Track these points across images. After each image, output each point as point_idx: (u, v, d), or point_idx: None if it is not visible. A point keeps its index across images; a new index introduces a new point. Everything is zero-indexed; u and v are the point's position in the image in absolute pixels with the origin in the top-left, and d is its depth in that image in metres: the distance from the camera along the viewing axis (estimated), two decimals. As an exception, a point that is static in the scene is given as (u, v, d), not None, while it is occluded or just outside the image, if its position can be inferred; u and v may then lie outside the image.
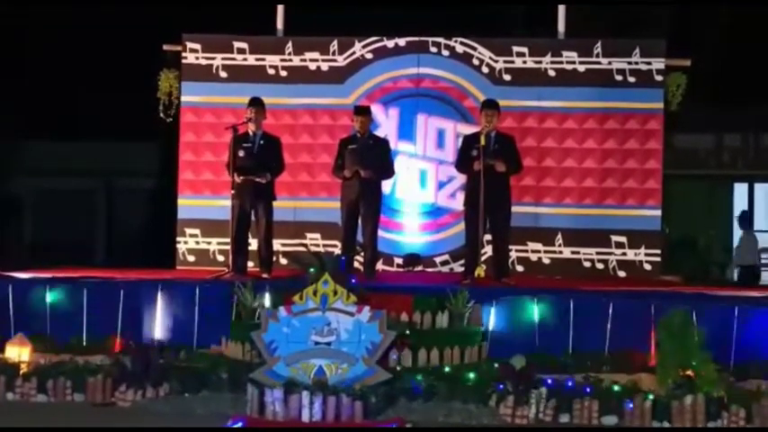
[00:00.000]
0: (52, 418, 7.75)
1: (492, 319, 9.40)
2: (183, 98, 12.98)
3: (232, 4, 16.68)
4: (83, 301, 9.73)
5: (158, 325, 9.66)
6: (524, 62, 12.87)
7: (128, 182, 17.79)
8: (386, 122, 12.88)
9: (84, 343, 9.53)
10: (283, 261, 11.91)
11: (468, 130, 11.79)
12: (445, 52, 12.96)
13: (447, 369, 8.50)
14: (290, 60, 13.03)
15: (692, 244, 17.28)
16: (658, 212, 12.72)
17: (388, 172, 11.25)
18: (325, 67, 13.03)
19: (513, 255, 12.21)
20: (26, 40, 15.32)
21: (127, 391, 8.28)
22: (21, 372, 8.56)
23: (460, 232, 11.39)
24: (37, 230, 17.76)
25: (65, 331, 9.65)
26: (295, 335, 8.20)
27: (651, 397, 7.89)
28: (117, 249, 17.07)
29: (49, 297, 9.82)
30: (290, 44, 13.05)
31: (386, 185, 11.67)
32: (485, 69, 12.89)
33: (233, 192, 10.81)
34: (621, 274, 12.57)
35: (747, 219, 15.87)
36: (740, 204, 18.17)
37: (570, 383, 8.17)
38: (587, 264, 12.64)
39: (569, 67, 12.83)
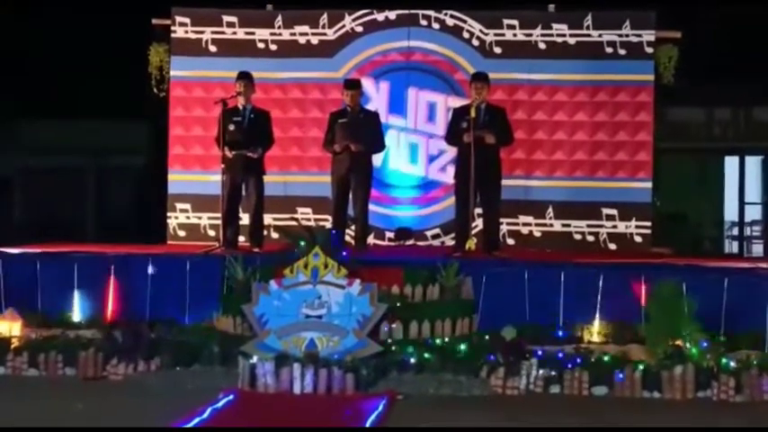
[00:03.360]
0: (44, 392, 7.76)
1: (483, 291, 9.41)
2: (173, 72, 12.92)
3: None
4: (74, 276, 9.71)
5: (149, 299, 9.65)
6: (515, 35, 12.84)
7: (118, 158, 17.74)
8: (376, 96, 12.86)
9: (76, 317, 9.53)
10: (274, 235, 11.91)
11: (459, 103, 11.77)
12: (435, 25, 12.93)
13: (438, 341, 8.52)
14: (280, 34, 12.98)
15: (683, 217, 17.29)
16: (649, 185, 12.73)
17: (379, 146, 11.24)
18: (314, 40, 12.98)
19: (504, 228, 12.22)
20: (11, 18, 15.23)
21: (118, 365, 8.30)
22: (12, 346, 8.57)
23: (451, 206, 11.40)
24: (27, 208, 17.72)
25: (56, 306, 9.65)
26: (286, 308, 8.22)
27: (641, 367, 7.93)
28: (108, 226, 17.02)
29: (40, 272, 9.80)
30: (279, 18, 13.00)
31: (376, 159, 11.66)
32: (475, 42, 12.86)
33: (223, 166, 10.79)
34: (612, 246, 12.59)
35: None
36: (731, 177, 18.19)
37: (560, 355, 8.21)
38: (578, 236, 12.66)
39: (560, 39, 12.80)
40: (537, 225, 12.69)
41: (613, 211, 12.62)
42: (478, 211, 10.84)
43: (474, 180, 10.33)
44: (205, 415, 6.84)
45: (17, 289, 9.73)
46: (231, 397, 7.39)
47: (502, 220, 11.53)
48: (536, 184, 12.72)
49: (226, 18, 13.02)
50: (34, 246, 10.99)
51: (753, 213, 18.24)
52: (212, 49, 12.99)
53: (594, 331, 9.02)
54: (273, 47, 12.98)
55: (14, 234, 13.63)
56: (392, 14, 12.97)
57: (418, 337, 8.55)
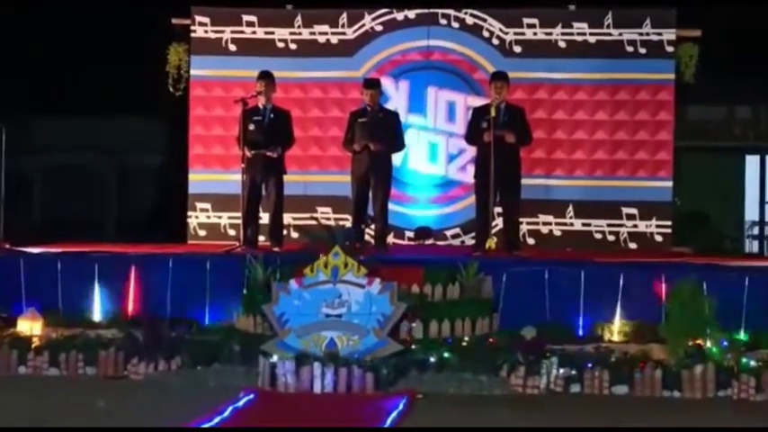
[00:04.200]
0: (65, 392, 7.79)
1: (503, 290, 9.39)
2: (193, 72, 12.97)
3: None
4: (94, 276, 9.74)
5: (170, 298, 9.67)
6: (535, 33, 12.84)
7: (138, 157, 17.76)
8: (396, 95, 12.86)
9: (96, 317, 9.56)
10: (294, 234, 11.93)
11: (479, 102, 11.76)
12: (455, 24, 12.93)
13: (458, 341, 8.50)
14: (300, 33, 13.01)
15: (704, 216, 17.21)
16: (669, 184, 12.70)
17: (399, 145, 11.24)
18: (334, 39, 13.01)
19: (524, 227, 12.22)
20: (33, 16, 15.28)
21: (139, 365, 8.31)
22: (33, 346, 8.59)
23: (471, 205, 11.39)
24: (47, 208, 17.76)
25: (76, 305, 9.68)
26: (306, 307, 8.21)
27: (661, 366, 7.90)
28: (128, 225, 17.04)
29: (61, 271, 9.83)
30: (299, 17, 13.03)
31: (396, 158, 11.66)
32: (495, 41, 12.86)
33: (243, 166, 10.80)
34: (632, 245, 12.57)
35: None
36: (752, 176, 18.10)
37: (581, 354, 8.18)
38: (598, 235, 12.64)
39: (580, 38, 12.79)
40: (557, 224, 12.67)
41: (634, 211, 12.60)
42: (498, 210, 10.83)
43: (494, 179, 10.32)
44: (226, 414, 6.85)
45: (38, 288, 9.76)
46: (251, 396, 7.40)
47: (522, 219, 11.54)
48: (556, 183, 12.71)
49: (245, 17, 13.05)
50: (55, 245, 11.04)
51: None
52: (232, 48, 13.03)
53: (615, 330, 8.98)
54: (293, 46, 13.00)
55: (35, 234, 13.68)
56: (411, 14, 12.98)
57: (438, 336, 8.53)
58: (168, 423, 6.68)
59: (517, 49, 12.84)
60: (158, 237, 12.75)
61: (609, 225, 12.64)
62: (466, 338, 8.56)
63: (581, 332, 9.00)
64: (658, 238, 12.60)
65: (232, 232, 12.53)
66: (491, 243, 10.39)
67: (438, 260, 9.83)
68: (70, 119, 17.29)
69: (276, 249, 10.73)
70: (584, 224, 12.66)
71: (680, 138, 13.25)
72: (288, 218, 11.64)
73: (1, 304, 9.51)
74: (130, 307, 9.56)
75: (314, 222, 11.08)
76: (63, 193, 17.52)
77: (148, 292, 9.68)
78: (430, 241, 12.65)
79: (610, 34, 12.78)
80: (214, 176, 12.86)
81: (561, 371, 7.88)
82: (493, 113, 10.41)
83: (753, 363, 7.97)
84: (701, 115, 17.59)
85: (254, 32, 13.04)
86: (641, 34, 12.72)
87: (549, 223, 12.68)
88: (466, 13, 12.93)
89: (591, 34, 12.78)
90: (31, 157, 17.31)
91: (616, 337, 8.88)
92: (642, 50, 12.71)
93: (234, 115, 11.46)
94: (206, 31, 13.06)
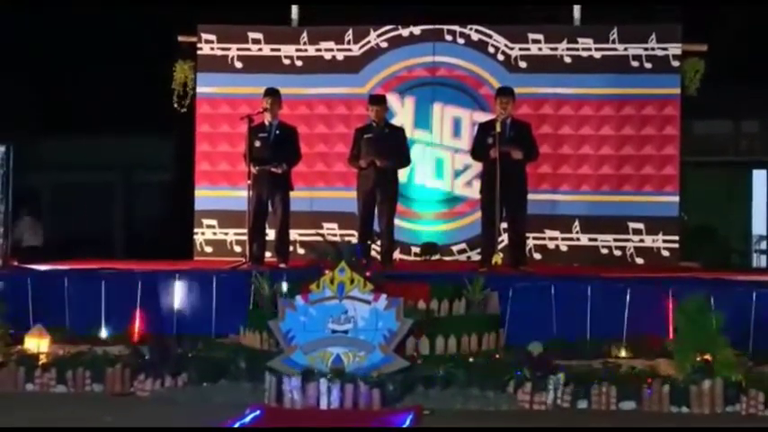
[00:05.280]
0: (72, 408, 7.78)
1: (509, 306, 9.38)
2: (199, 89, 13.01)
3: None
4: (101, 292, 9.76)
5: (176, 315, 9.68)
6: (540, 49, 12.85)
7: (144, 174, 17.83)
8: (401, 111, 12.88)
9: (103, 334, 9.56)
10: (300, 251, 11.93)
11: (484, 118, 11.77)
12: (460, 40, 12.96)
13: (464, 356, 8.49)
14: (305, 50, 13.04)
15: (711, 231, 17.18)
16: (676, 199, 12.70)
17: (404, 161, 11.24)
18: (340, 56, 13.03)
19: (531, 242, 12.20)
20: (40, 34, 15.35)
21: (145, 381, 8.30)
22: (40, 363, 8.60)
23: (477, 220, 11.38)
24: (54, 224, 17.80)
25: (83, 322, 9.69)
26: (312, 323, 8.20)
27: (669, 382, 7.87)
28: (135, 242, 17.10)
29: (68, 288, 9.85)
30: (304, 34, 13.06)
31: (402, 174, 11.65)
32: (500, 57, 12.88)
33: (249, 182, 10.81)
34: (639, 260, 12.56)
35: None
36: (759, 191, 18.08)
37: (588, 370, 8.16)
38: (605, 251, 12.63)
39: (585, 53, 12.80)
40: (563, 239, 12.67)
41: (640, 225, 12.58)
42: (504, 225, 10.82)
43: (500, 195, 10.32)
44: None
45: (45, 306, 9.79)
46: (258, 412, 7.39)
47: (528, 234, 11.51)
48: (562, 198, 12.70)
49: (251, 35, 13.09)
50: (62, 263, 11.06)
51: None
52: (238, 65, 13.07)
53: (622, 346, 8.96)
54: (299, 63, 13.03)
55: (42, 250, 13.71)
56: (417, 30, 13.01)
57: (444, 352, 8.52)
58: (175, 440, 6.67)
59: (522, 64, 12.86)
60: (165, 253, 12.76)
61: (615, 240, 12.63)
62: (472, 354, 8.54)
63: (588, 348, 8.96)
64: (665, 253, 12.58)
65: (238, 248, 12.53)
66: (497, 258, 10.38)
67: (444, 276, 9.82)
68: (78, 136, 17.36)
69: (282, 265, 10.73)
70: (590, 239, 12.66)
71: (686, 152, 13.24)
72: (294, 234, 11.65)
73: (8, 321, 9.51)
74: (137, 324, 9.56)
75: (320, 238, 11.06)
76: (70, 209, 17.57)
77: (155, 309, 9.69)
78: (436, 257, 12.64)
79: (615, 49, 12.79)
80: (220, 193, 12.88)
81: (568, 386, 7.86)
82: (498, 129, 10.43)
83: (761, 377, 7.93)
84: (707, 130, 17.59)
85: (260, 49, 13.07)
86: (647, 49, 12.73)
87: (556, 238, 12.67)
88: (471, 29, 12.95)
89: (596, 49, 12.79)
90: (39, 175, 17.35)
91: (623, 353, 8.84)
92: (648, 65, 12.72)
93: (240, 132, 11.47)
94: (212, 49, 13.09)
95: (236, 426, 6.94)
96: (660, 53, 12.71)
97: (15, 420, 7.33)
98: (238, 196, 11.93)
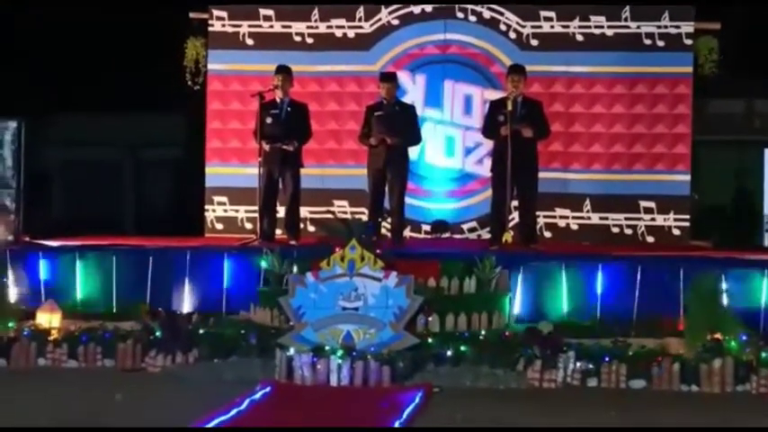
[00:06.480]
0: (83, 383, 7.82)
1: (519, 284, 9.39)
2: (210, 66, 12.99)
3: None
4: (112, 268, 9.80)
5: (187, 291, 9.71)
6: (552, 27, 12.79)
7: (155, 151, 17.79)
8: (412, 89, 12.85)
9: (114, 309, 9.60)
10: (311, 228, 11.94)
11: (496, 95, 11.75)
12: (472, 18, 12.90)
13: (474, 334, 8.50)
14: (317, 27, 13.01)
15: (722, 210, 17.13)
16: (687, 177, 12.66)
17: (415, 138, 11.22)
18: (351, 33, 12.99)
19: (541, 221, 12.19)
20: (51, 12, 15.32)
21: (156, 357, 8.34)
22: (51, 338, 8.64)
23: (488, 198, 11.37)
24: (65, 202, 17.81)
25: (95, 298, 9.74)
26: (323, 300, 8.23)
27: (679, 361, 7.87)
28: (145, 219, 17.07)
29: (79, 264, 9.89)
30: (316, 11, 13.02)
31: (413, 152, 11.63)
32: (512, 35, 12.82)
33: (260, 159, 10.82)
34: (650, 239, 12.53)
35: None
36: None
37: (598, 348, 8.16)
38: (616, 229, 12.60)
39: (597, 31, 12.74)
40: (574, 218, 12.64)
41: (651, 204, 12.56)
42: (515, 203, 10.81)
43: (511, 173, 10.31)
44: (243, 406, 6.87)
45: (57, 281, 9.84)
46: (268, 389, 7.42)
47: (539, 212, 11.50)
48: (573, 176, 12.67)
49: (263, 12, 13.06)
50: (73, 239, 11.08)
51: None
52: (249, 42, 13.04)
53: (632, 324, 8.96)
54: (310, 40, 13.00)
55: (53, 227, 13.73)
56: (428, 7, 12.95)
57: (455, 329, 8.54)
58: (185, 415, 6.69)
59: (534, 42, 12.80)
60: (176, 230, 12.78)
61: (626, 219, 12.60)
62: (482, 332, 8.56)
63: (598, 326, 8.97)
64: (676, 232, 12.55)
65: (249, 226, 12.54)
66: (508, 237, 10.38)
67: (454, 254, 9.83)
68: (89, 114, 17.34)
69: (293, 243, 10.74)
70: (601, 218, 12.63)
71: (698, 131, 13.18)
72: (304, 211, 11.66)
73: (20, 297, 9.57)
74: (148, 300, 9.60)
75: (330, 216, 11.10)
76: (81, 187, 17.58)
77: (166, 285, 9.72)
78: (446, 235, 12.63)
79: (627, 27, 12.73)
80: (231, 170, 12.88)
81: (578, 365, 7.87)
82: (510, 107, 10.41)
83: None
84: (719, 108, 17.48)
85: (271, 26, 13.05)
86: (659, 27, 12.66)
87: (567, 217, 12.65)
88: (483, 7, 12.89)
89: (608, 27, 12.73)
90: (50, 152, 17.36)
91: (633, 332, 8.84)
92: (660, 43, 12.66)
93: (251, 109, 11.47)
94: (223, 26, 13.07)
95: (246, 401, 6.97)
96: (673, 31, 12.65)
97: (28, 395, 7.38)
98: (249, 173, 11.94)
